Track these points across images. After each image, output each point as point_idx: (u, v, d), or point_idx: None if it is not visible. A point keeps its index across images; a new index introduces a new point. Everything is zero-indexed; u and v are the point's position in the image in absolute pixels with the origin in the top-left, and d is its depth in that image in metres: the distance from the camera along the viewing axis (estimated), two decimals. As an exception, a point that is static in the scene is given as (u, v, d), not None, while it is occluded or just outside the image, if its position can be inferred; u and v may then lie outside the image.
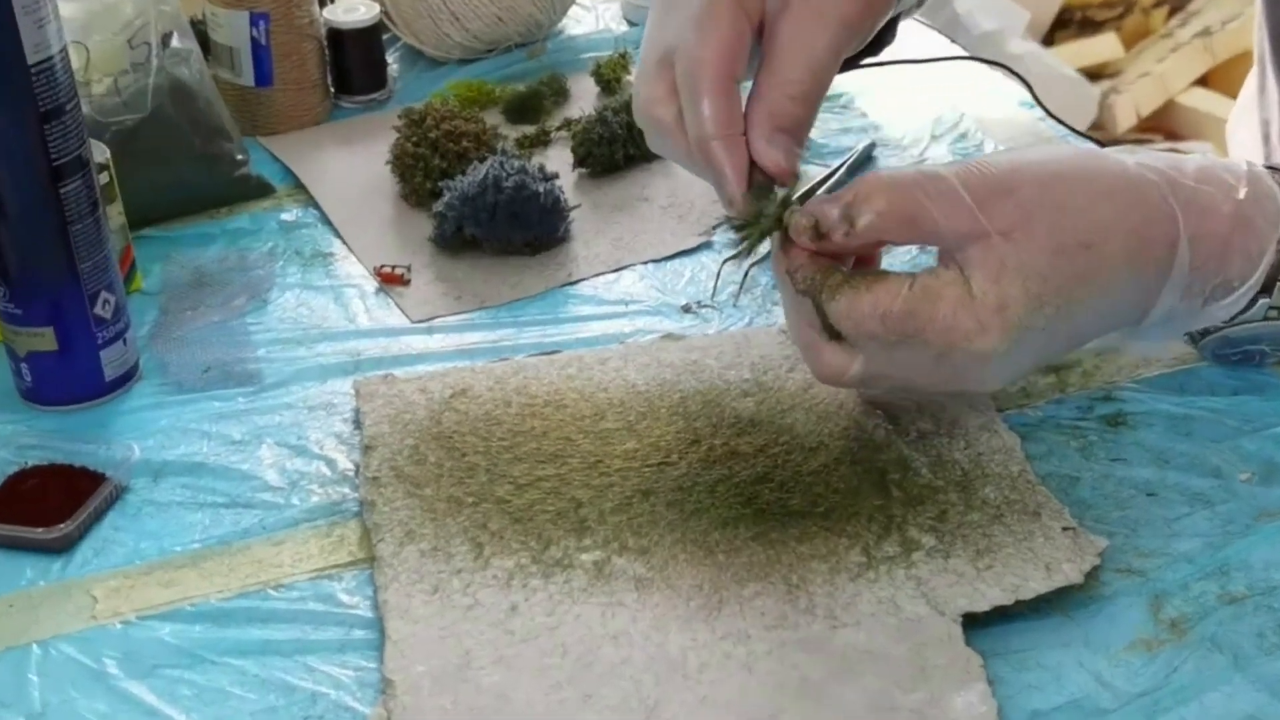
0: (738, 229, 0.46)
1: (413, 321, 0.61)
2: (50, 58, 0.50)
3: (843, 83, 0.78)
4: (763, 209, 0.45)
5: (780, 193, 0.45)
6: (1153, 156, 0.46)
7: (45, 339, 0.55)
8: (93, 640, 0.45)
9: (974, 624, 0.44)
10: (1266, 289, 0.47)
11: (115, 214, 0.60)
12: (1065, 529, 0.47)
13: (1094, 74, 1.76)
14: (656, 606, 0.44)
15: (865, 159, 0.71)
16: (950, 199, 0.43)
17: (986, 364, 0.44)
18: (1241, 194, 0.45)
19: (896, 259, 0.62)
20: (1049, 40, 1.78)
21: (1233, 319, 0.48)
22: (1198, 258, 0.45)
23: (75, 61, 0.57)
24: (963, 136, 0.73)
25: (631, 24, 0.87)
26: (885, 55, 0.55)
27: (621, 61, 0.79)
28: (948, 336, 0.43)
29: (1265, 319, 0.48)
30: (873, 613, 0.44)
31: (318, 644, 0.45)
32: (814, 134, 0.74)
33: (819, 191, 0.67)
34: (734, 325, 0.60)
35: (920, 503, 0.48)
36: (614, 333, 0.60)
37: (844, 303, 0.44)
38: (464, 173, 0.65)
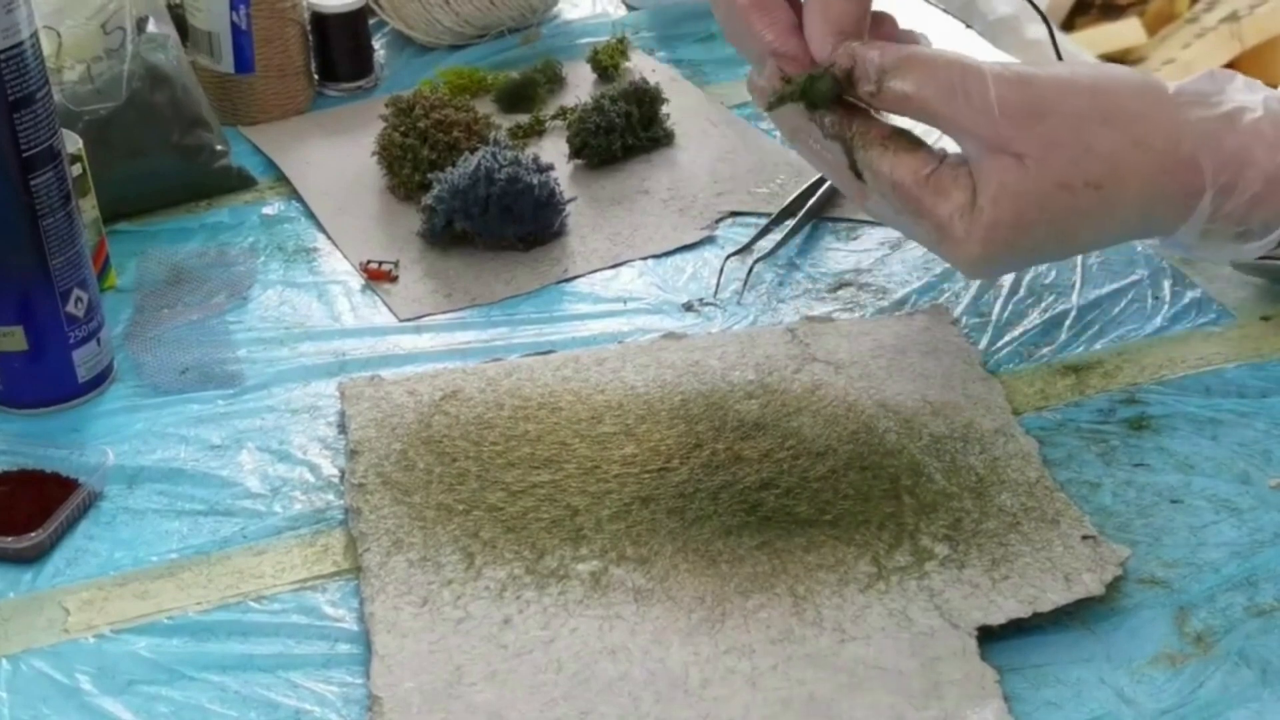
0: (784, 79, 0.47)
1: (400, 320, 0.60)
2: (20, 43, 0.49)
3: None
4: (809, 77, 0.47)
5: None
6: (1215, 93, 0.46)
7: (14, 338, 0.53)
8: (65, 655, 0.44)
9: (990, 637, 0.43)
10: None
11: (88, 207, 0.59)
12: (1085, 537, 0.46)
13: (1116, 61, 1.73)
14: (656, 619, 0.44)
15: None
16: (980, 107, 0.44)
17: (965, 264, 0.47)
18: None
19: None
20: (1069, 25, 1.76)
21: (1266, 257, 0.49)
22: (1223, 208, 0.46)
23: (46, 47, 0.56)
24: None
25: (631, 8, 0.85)
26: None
27: (619, 47, 0.77)
28: (939, 231, 0.45)
29: None
30: (883, 626, 0.43)
31: (301, 659, 0.44)
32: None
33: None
34: (738, 324, 0.59)
35: (933, 510, 0.47)
36: (612, 332, 0.59)
37: (869, 156, 0.46)
38: (454, 164, 0.64)
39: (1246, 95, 0.46)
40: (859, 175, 0.47)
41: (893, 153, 0.45)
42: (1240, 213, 0.46)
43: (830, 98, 0.46)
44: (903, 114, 0.45)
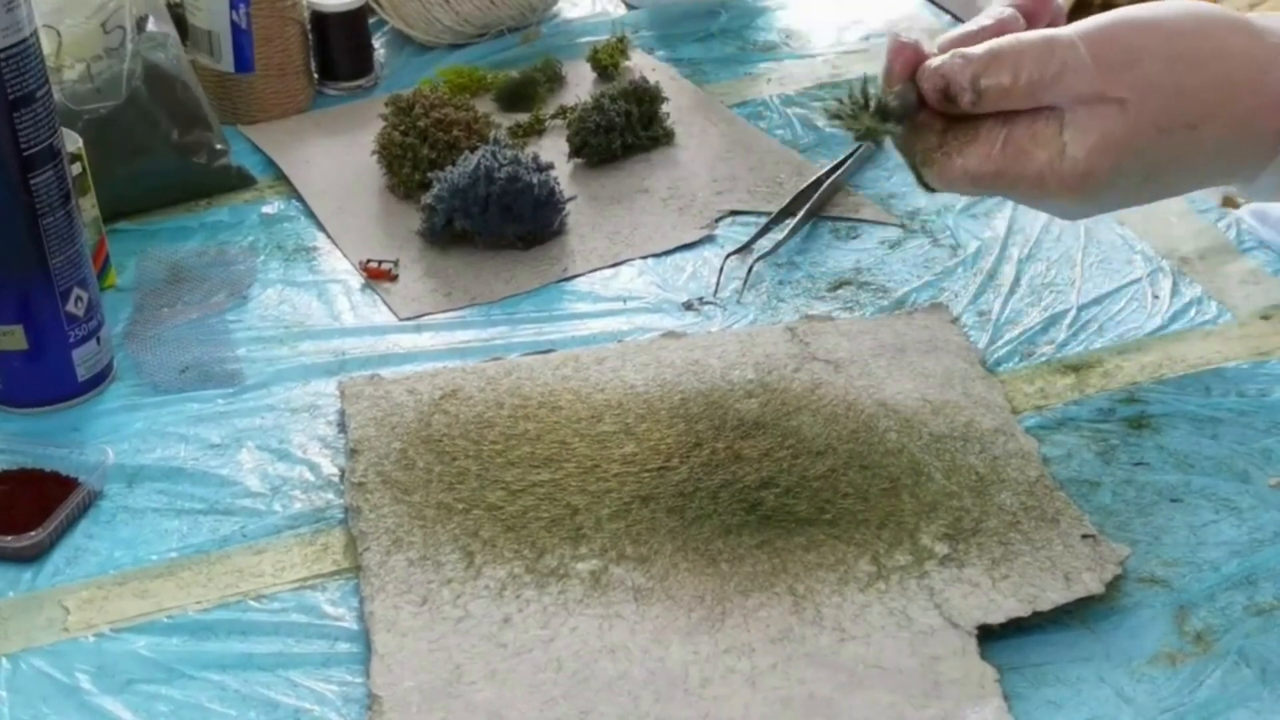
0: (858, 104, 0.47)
1: (400, 319, 0.60)
2: (20, 42, 0.49)
3: (850, 68, 0.77)
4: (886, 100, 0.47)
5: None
6: None
7: (14, 338, 0.53)
8: (65, 654, 0.44)
9: (989, 636, 0.43)
10: None
11: (88, 206, 0.59)
12: (1085, 536, 0.46)
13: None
14: (656, 618, 0.44)
15: (872, 151, 0.69)
16: (1076, 70, 0.44)
17: (1061, 211, 0.48)
18: None
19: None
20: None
21: None
22: None
23: (46, 46, 0.56)
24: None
25: (630, 6, 0.85)
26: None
27: (619, 46, 0.77)
28: (1032, 191, 0.45)
29: None
30: (883, 625, 0.43)
31: (301, 658, 0.44)
32: (822, 123, 0.73)
33: (831, 179, 0.65)
34: (738, 323, 0.59)
35: (933, 509, 0.47)
36: (611, 331, 0.59)
37: (936, 170, 0.46)
38: (454, 163, 0.64)
39: None
40: (930, 189, 0.47)
41: (955, 154, 0.45)
42: None
43: (876, 138, 0.46)
44: (1007, 106, 0.45)
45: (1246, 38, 0.45)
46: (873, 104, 0.46)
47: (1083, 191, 0.44)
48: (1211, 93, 0.44)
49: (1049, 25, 0.48)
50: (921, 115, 0.46)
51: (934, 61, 0.45)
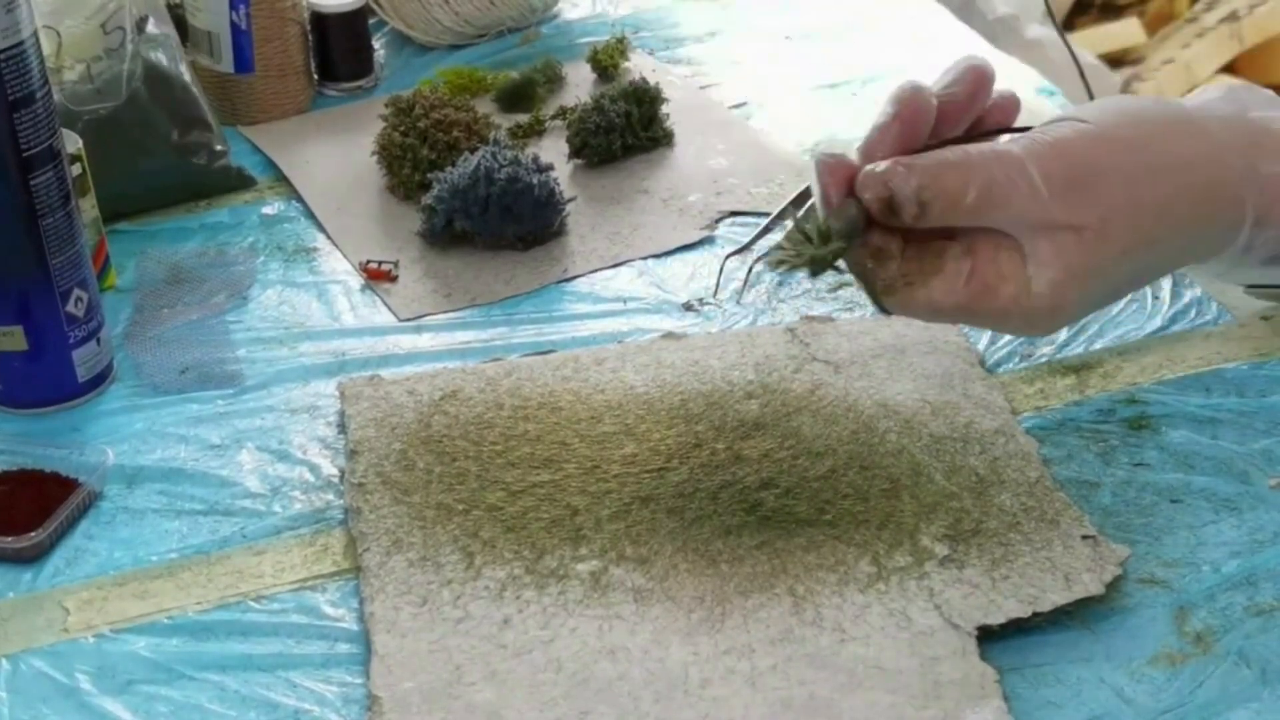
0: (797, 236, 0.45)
1: (400, 320, 0.60)
2: (20, 43, 0.49)
3: (848, 71, 0.77)
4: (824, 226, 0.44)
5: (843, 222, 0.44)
6: (1241, 116, 0.45)
7: (14, 338, 0.53)
8: (65, 654, 0.44)
9: (989, 637, 0.43)
10: None
11: (88, 207, 0.59)
12: (1085, 537, 0.46)
13: (1115, 60, 1.73)
14: (656, 619, 0.44)
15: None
16: (1025, 191, 0.42)
17: (1032, 335, 0.49)
18: None
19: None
20: (1068, 25, 1.76)
21: None
22: (1256, 240, 0.46)
23: (46, 47, 0.56)
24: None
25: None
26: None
27: (619, 46, 0.77)
28: (1000, 322, 0.45)
29: None
30: (883, 625, 0.43)
31: (301, 658, 0.44)
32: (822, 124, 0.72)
33: (812, 200, 0.65)
34: (737, 324, 0.59)
35: (933, 510, 0.47)
36: (611, 332, 0.59)
37: (898, 299, 0.44)
38: (454, 164, 0.64)
39: (1269, 110, 0.45)
40: (886, 312, 0.44)
41: (919, 284, 0.43)
42: (1275, 242, 0.45)
43: (829, 265, 0.43)
44: (953, 223, 0.43)
45: (1200, 143, 0.44)
46: (815, 234, 0.43)
47: (1049, 325, 0.44)
48: (1171, 206, 0.43)
49: (988, 103, 0.45)
50: (875, 236, 0.43)
51: (879, 167, 0.42)
